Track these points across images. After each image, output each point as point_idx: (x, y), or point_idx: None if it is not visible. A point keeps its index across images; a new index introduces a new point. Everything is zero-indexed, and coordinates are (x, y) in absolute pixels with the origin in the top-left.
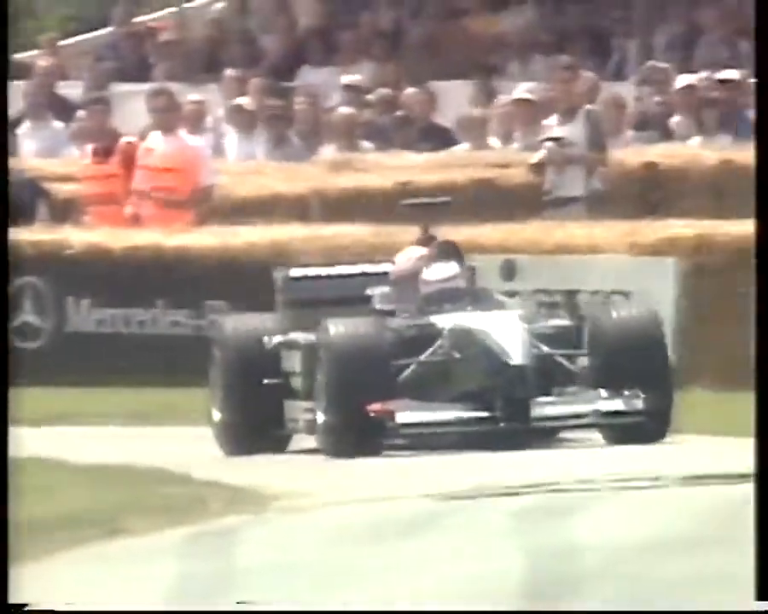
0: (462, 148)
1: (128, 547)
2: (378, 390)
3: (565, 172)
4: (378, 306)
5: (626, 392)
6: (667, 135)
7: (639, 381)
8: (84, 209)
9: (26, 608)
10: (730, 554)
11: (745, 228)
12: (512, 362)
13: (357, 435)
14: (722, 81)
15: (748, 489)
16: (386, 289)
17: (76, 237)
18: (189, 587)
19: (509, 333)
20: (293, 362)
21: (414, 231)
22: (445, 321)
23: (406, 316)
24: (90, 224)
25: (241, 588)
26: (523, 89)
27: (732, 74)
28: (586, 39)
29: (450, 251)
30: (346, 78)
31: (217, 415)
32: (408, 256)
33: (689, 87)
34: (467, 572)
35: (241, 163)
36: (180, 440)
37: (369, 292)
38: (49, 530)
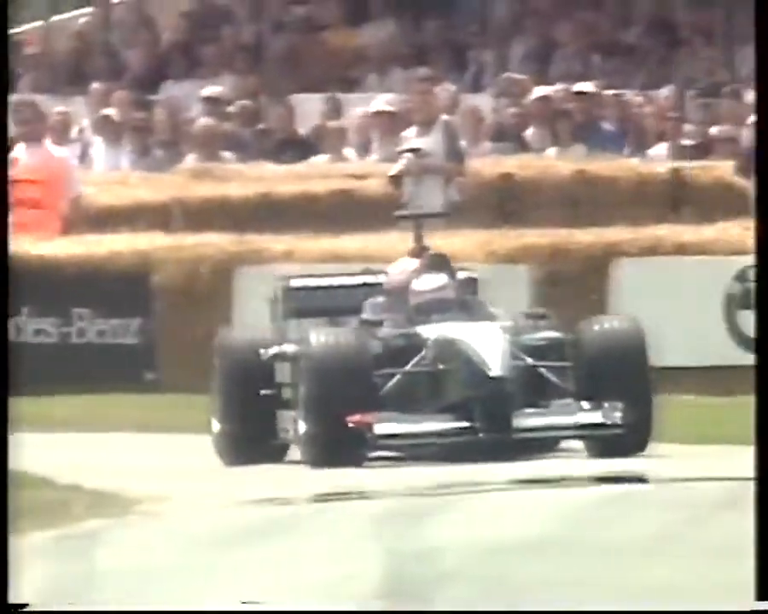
0: (321, 159)
1: None
2: (358, 401)
3: (423, 182)
4: (366, 316)
5: (606, 404)
6: (523, 146)
7: (620, 393)
8: None
9: (26, 608)
10: (574, 557)
11: (597, 236)
12: (491, 374)
13: (336, 446)
14: (577, 93)
15: (601, 490)
16: (378, 300)
17: None
18: (51, 586)
19: (489, 345)
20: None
21: (274, 239)
22: (430, 331)
23: (393, 327)
24: None
25: (99, 589)
26: (382, 101)
27: (586, 86)
28: (445, 52)
29: (440, 262)
30: (207, 91)
31: (216, 426)
32: (400, 267)
33: (544, 98)
34: (323, 573)
35: (106, 173)
36: (53, 448)
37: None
38: None
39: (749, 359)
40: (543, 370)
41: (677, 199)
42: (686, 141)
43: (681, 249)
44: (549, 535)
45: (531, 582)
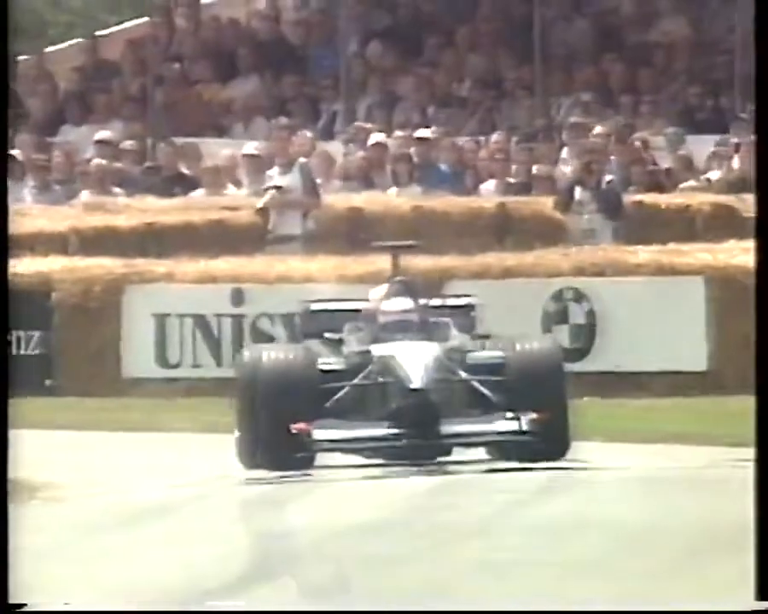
0: (199, 194)
1: None
2: (303, 410)
3: (285, 214)
4: (327, 335)
5: (523, 415)
6: (369, 185)
7: (540, 405)
8: None
9: (26, 608)
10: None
11: (434, 262)
12: (412, 386)
13: (281, 449)
14: (417, 139)
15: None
16: (360, 322)
17: None
18: None
19: (416, 362)
20: None
21: (157, 263)
22: (377, 349)
23: (358, 345)
24: None
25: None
26: (250, 146)
27: (425, 133)
28: (301, 104)
29: (407, 287)
30: (99, 134)
31: (236, 434)
32: (377, 291)
33: (379, 144)
34: (190, 554)
35: (11, 206)
36: None
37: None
38: None
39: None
40: (476, 384)
41: (502, 229)
42: (511, 180)
43: (506, 273)
44: (388, 518)
45: (368, 558)
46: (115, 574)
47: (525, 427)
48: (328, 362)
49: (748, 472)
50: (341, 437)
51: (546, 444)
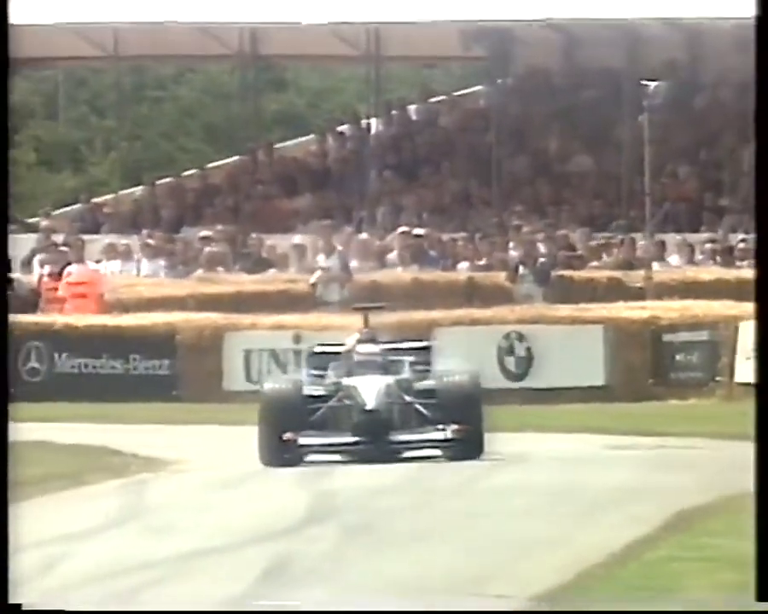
0: (272, 272)
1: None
2: (292, 424)
3: (328, 286)
4: (311, 370)
5: (447, 427)
6: (384, 264)
7: (461, 420)
8: (60, 305)
9: (25, 608)
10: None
11: (425, 315)
12: (367, 408)
13: (275, 452)
14: (415, 236)
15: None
16: (341, 361)
17: (58, 319)
18: (120, 514)
19: (371, 389)
20: None
21: (245, 317)
22: (347, 381)
23: (336, 377)
24: (65, 312)
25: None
26: (298, 239)
27: (420, 231)
28: (340, 211)
29: (373, 336)
30: (203, 233)
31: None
32: (352, 338)
33: (401, 234)
34: (265, 506)
35: (150, 278)
36: (122, 433)
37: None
38: (42, 481)
39: (510, 384)
40: (418, 405)
41: (471, 294)
42: (478, 262)
43: (474, 322)
44: (381, 486)
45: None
46: (225, 516)
47: (449, 436)
48: (312, 389)
49: (629, 452)
50: (319, 442)
51: (465, 448)
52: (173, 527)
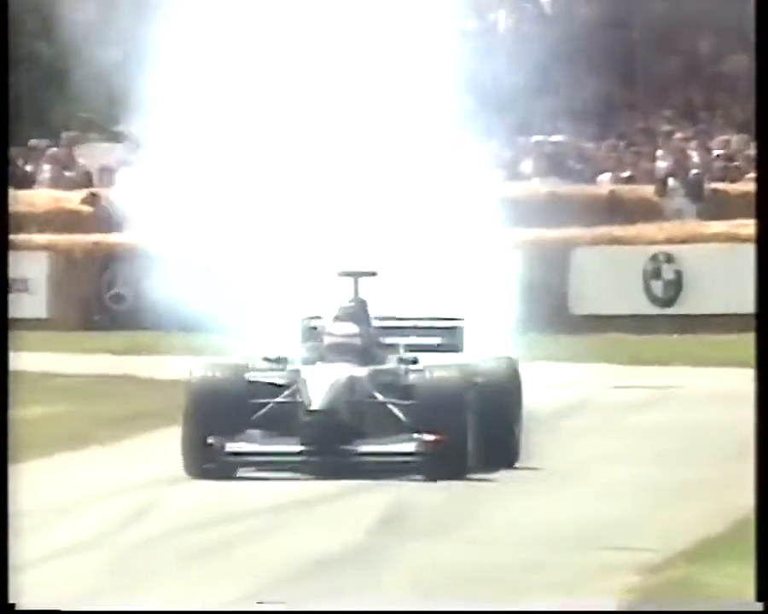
0: None
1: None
2: (222, 425)
3: None
4: (265, 356)
5: (416, 436)
6: (518, 176)
7: (440, 429)
8: None
9: (19, 609)
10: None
11: (560, 233)
12: (311, 408)
13: (197, 460)
14: (553, 142)
15: None
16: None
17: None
18: None
19: (322, 385)
20: None
21: None
22: (302, 371)
23: (304, 363)
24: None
25: None
26: None
27: (556, 138)
28: None
29: (353, 313)
30: None
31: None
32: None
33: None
34: None
35: None
36: None
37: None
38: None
39: (656, 311)
40: (393, 407)
41: (613, 210)
42: (623, 173)
43: (615, 241)
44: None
45: None
46: None
47: (416, 449)
48: (266, 376)
49: None
50: (253, 450)
51: (439, 466)
52: None
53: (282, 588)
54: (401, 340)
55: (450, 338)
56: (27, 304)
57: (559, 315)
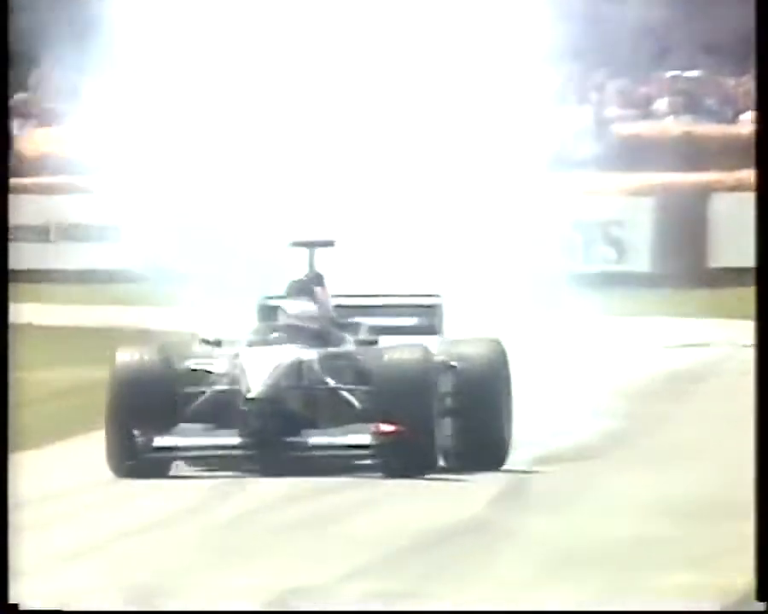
0: None
1: None
2: (151, 417)
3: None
4: (203, 338)
5: (373, 427)
6: (648, 114)
7: (400, 419)
8: None
9: (24, 608)
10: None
11: (696, 177)
12: (249, 396)
13: (123, 455)
14: (689, 79)
15: None
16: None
17: None
18: None
19: (261, 370)
20: None
21: None
22: (242, 355)
23: (252, 345)
24: None
25: None
26: None
27: (692, 74)
28: None
29: (304, 289)
30: None
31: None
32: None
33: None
34: None
35: None
36: None
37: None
38: None
39: None
40: (346, 394)
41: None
42: None
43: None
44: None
45: None
46: None
47: (368, 441)
48: (202, 362)
49: None
50: (183, 444)
51: (399, 460)
52: None
53: None
54: (369, 320)
55: (427, 318)
56: None
57: (696, 269)
